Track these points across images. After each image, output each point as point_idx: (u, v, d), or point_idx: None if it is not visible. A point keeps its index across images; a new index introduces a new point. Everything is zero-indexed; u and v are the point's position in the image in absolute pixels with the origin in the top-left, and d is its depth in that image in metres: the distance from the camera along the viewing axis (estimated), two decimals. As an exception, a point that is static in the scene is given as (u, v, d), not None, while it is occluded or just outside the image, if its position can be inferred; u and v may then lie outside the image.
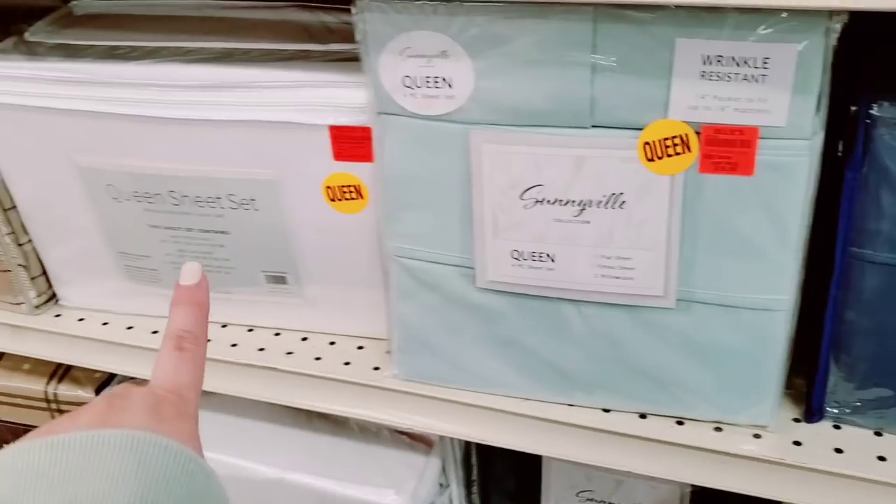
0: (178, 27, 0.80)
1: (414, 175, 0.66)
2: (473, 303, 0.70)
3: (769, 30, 0.54)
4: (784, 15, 0.53)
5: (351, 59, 0.70)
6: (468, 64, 0.60)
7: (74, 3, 0.89)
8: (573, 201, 0.63)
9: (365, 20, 0.61)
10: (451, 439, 0.88)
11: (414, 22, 0.60)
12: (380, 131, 0.66)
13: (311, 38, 0.76)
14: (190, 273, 0.48)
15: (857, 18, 0.53)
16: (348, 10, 0.80)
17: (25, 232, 0.86)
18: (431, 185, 0.66)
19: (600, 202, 0.62)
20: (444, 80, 0.61)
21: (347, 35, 0.76)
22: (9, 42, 0.80)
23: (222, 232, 0.77)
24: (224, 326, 0.85)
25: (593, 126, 0.60)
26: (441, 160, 0.65)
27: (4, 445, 0.35)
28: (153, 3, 0.87)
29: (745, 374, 0.66)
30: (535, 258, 0.66)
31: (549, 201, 0.63)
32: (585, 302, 0.67)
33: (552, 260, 0.66)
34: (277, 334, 0.84)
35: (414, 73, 0.62)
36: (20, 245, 0.86)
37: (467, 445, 0.92)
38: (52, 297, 0.91)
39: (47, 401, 0.98)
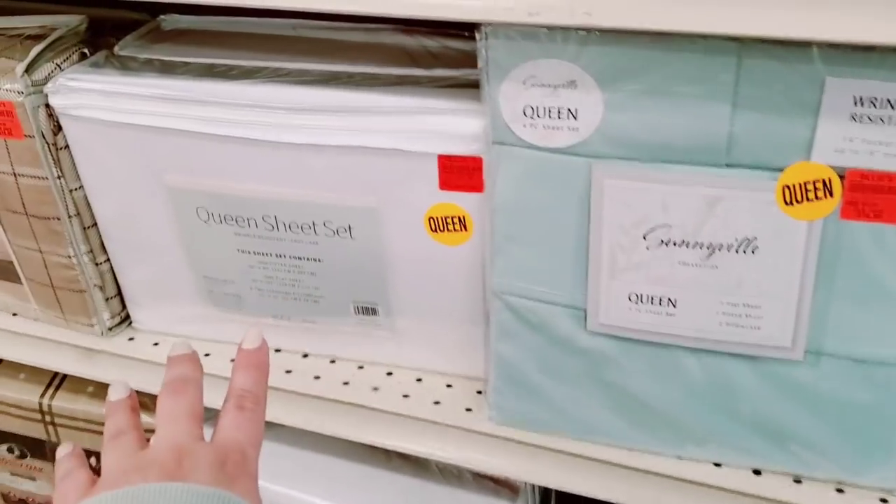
0: (273, 47, 0.78)
1: (527, 208, 0.63)
2: (581, 346, 0.66)
3: (931, 71, 0.50)
4: (951, 56, 0.49)
5: (458, 86, 0.68)
6: (597, 95, 0.57)
7: (163, 17, 0.87)
8: (701, 244, 0.59)
9: (489, 46, 0.58)
10: (535, 486, 0.84)
11: (542, 50, 0.57)
12: (493, 162, 0.63)
13: (413, 62, 0.73)
14: (252, 337, 0.51)
15: None
16: (450, 35, 0.78)
17: (104, 251, 0.84)
18: (545, 219, 0.63)
19: (731, 246, 0.59)
20: (569, 111, 0.58)
21: (451, 60, 0.73)
22: (100, 56, 0.78)
23: (314, 259, 0.74)
24: (305, 356, 0.82)
25: (728, 165, 0.57)
26: (558, 194, 0.62)
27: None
28: (244, 21, 0.85)
29: (873, 432, 0.62)
30: (654, 302, 0.62)
31: (675, 243, 0.60)
32: (706, 351, 0.63)
33: (673, 305, 0.62)
34: (361, 367, 0.81)
35: (537, 102, 0.59)
36: (97, 264, 0.84)
37: (545, 492, 0.88)
38: (125, 319, 0.89)
39: (42, 412, 0.95)
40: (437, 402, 0.76)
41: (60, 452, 0.50)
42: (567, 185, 0.61)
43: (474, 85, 0.68)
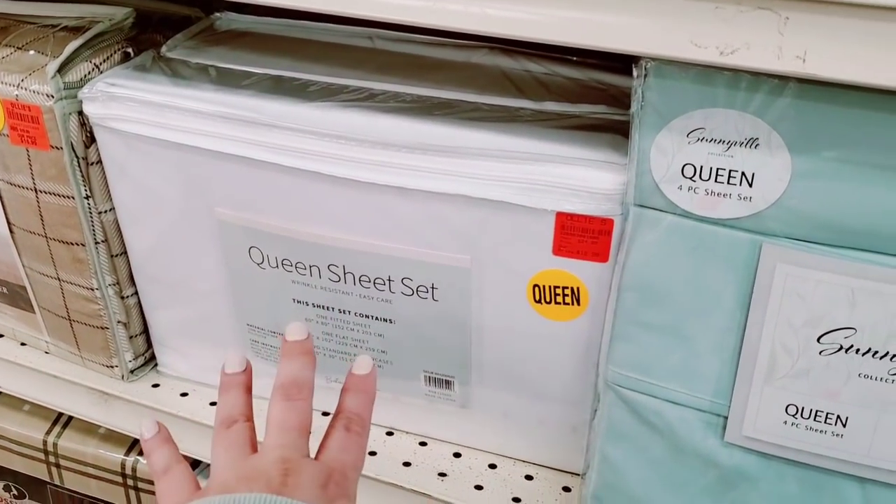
0: (349, 60, 0.66)
1: (666, 289, 0.51)
2: (715, 459, 0.54)
3: None
4: None
5: (580, 127, 0.56)
6: (785, 160, 0.45)
7: (217, 15, 0.76)
8: (893, 355, 0.47)
9: (649, 87, 0.46)
10: None
11: (720, 97, 0.44)
12: (630, 227, 0.51)
13: (519, 91, 0.61)
14: (364, 363, 0.51)
15: None
16: (557, 59, 0.66)
17: (132, 283, 0.72)
18: (688, 304, 0.51)
19: (932, 361, 0.46)
20: (743, 175, 0.46)
21: (563, 91, 0.62)
22: (146, 57, 0.66)
23: (385, 320, 0.61)
24: (359, 427, 0.70)
25: (941, 261, 0.44)
26: (711, 275, 0.49)
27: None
28: (311, 27, 0.73)
29: None
30: (819, 419, 0.50)
31: (858, 350, 0.47)
32: (874, 482, 0.50)
33: (843, 424, 0.49)
34: (423, 444, 0.68)
35: (702, 161, 0.46)
36: (123, 298, 0.72)
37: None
38: (150, 360, 0.76)
39: (124, 475, 0.83)
40: (516, 500, 0.63)
41: (145, 433, 0.51)
42: (725, 265, 0.49)
43: (602, 127, 0.56)
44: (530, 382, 0.62)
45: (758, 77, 0.43)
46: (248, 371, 0.51)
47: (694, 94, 0.45)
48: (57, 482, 0.89)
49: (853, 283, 0.46)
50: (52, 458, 0.87)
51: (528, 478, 0.66)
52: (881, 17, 0.37)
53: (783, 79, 0.43)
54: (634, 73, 0.46)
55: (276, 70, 0.64)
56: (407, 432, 0.70)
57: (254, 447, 0.47)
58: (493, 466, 0.67)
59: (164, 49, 0.69)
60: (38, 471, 0.88)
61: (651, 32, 0.42)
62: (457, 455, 0.68)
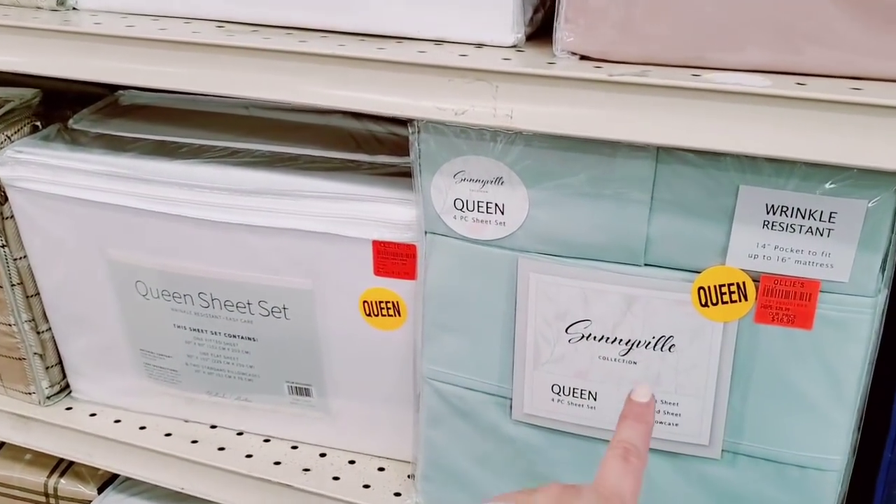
0: (224, 126, 0.79)
1: (456, 297, 0.64)
2: (508, 434, 0.67)
3: (838, 184, 0.52)
4: (854, 171, 0.51)
5: (399, 174, 0.70)
6: (523, 193, 0.59)
7: (121, 93, 0.89)
8: (620, 340, 0.61)
9: (421, 140, 0.60)
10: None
11: (471, 147, 0.58)
12: (425, 250, 0.64)
13: (358, 147, 0.75)
14: (643, 391, 0.51)
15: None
16: (396, 121, 0.80)
17: (46, 320, 0.84)
18: (474, 309, 0.64)
19: (648, 343, 0.60)
20: (496, 206, 0.60)
21: (395, 146, 0.75)
22: (52, 129, 0.80)
23: (249, 338, 0.74)
24: (240, 434, 0.82)
25: (646, 265, 0.58)
26: (486, 285, 0.63)
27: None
28: (199, 99, 0.87)
29: (789, 534, 0.63)
30: (576, 395, 0.63)
31: (595, 337, 0.61)
32: (625, 444, 0.63)
33: (594, 398, 0.63)
34: (295, 447, 0.81)
35: (466, 196, 0.60)
36: (39, 333, 0.84)
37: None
38: (65, 388, 0.88)
39: (46, 495, 0.94)
40: (366, 486, 0.76)
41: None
42: (495, 276, 0.62)
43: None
44: (374, 386, 0.75)
45: (496, 132, 0.57)
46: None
47: (453, 145, 0.59)
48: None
49: (584, 285, 0.60)
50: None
51: (381, 469, 0.78)
52: (563, 84, 0.52)
53: (516, 134, 0.57)
54: (409, 130, 0.60)
55: (159, 136, 0.77)
56: (281, 438, 0.82)
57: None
58: (352, 462, 0.79)
59: (70, 122, 0.82)
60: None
61: (410, 101, 0.56)
62: (322, 455, 0.80)
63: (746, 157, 0.53)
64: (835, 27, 0.48)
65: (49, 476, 0.94)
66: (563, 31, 0.53)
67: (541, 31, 0.59)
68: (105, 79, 0.61)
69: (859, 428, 0.60)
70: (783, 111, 0.48)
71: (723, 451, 0.61)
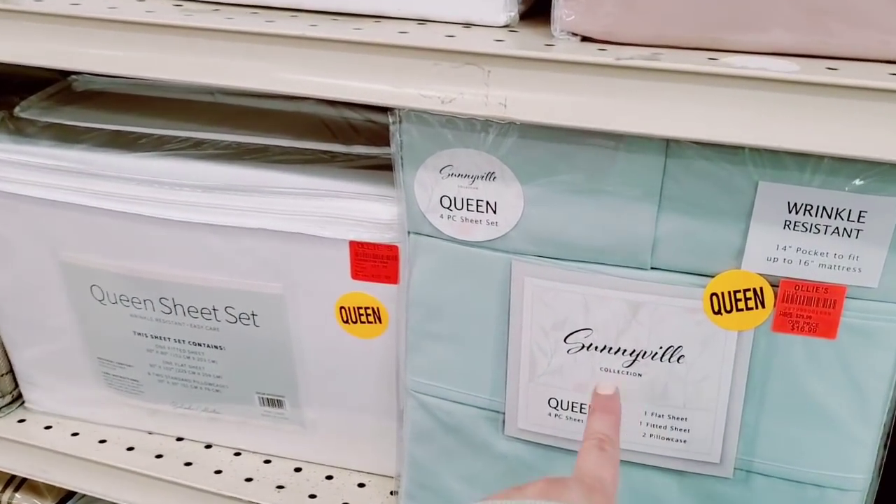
0: (188, 114, 0.73)
1: (444, 303, 0.59)
2: (499, 451, 0.61)
3: (869, 180, 0.47)
4: (887, 166, 0.46)
5: (378, 167, 0.64)
6: (517, 189, 0.53)
7: (74, 77, 0.82)
8: (625, 350, 0.55)
9: (402, 131, 0.54)
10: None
11: (460, 139, 0.53)
12: (409, 252, 0.59)
13: (332, 136, 0.69)
14: (605, 384, 0.54)
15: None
16: (375, 107, 0.74)
17: (-5, 326, 0.77)
18: (463, 316, 0.59)
19: (655, 354, 0.55)
20: (487, 204, 0.54)
21: (373, 135, 0.69)
22: (-3, 118, 0.73)
23: (216, 346, 0.68)
24: (208, 447, 0.76)
25: (653, 268, 0.53)
26: (476, 290, 0.57)
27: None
28: (161, 85, 0.80)
29: (805, 558, 0.58)
30: (575, 409, 0.58)
31: (596, 347, 0.56)
32: (630, 463, 0.58)
33: (594, 413, 0.57)
34: (268, 462, 0.75)
35: (454, 193, 0.55)
36: (-12, 340, 0.77)
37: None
38: (18, 398, 0.82)
39: None
40: (345, 504, 0.70)
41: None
42: (486, 281, 0.57)
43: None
44: (352, 398, 0.69)
45: (486, 121, 0.51)
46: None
47: (439, 137, 0.53)
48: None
49: (585, 291, 0.54)
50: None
51: (361, 485, 0.72)
52: (563, 69, 0.46)
53: (511, 123, 0.51)
54: (390, 119, 0.54)
55: (116, 125, 0.70)
56: (253, 452, 0.76)
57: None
58: (329, 478, 0.73)
59: (17, 109, 0.75)
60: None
61: (391, 88, 0.50)
62: (297, 469, 0.74)
63: (767, 150, 0.48)
64: (870, 5, 0.43)
65: (2, 491, 0.88)
66: (563, 9, 0.48)
67: (535, 8, 0.53)
68: (45, 63, 0.55)
69: (885, 445, 0.55)
70: (812, 99, 0.43)
71: (735, 469, 0.56)
